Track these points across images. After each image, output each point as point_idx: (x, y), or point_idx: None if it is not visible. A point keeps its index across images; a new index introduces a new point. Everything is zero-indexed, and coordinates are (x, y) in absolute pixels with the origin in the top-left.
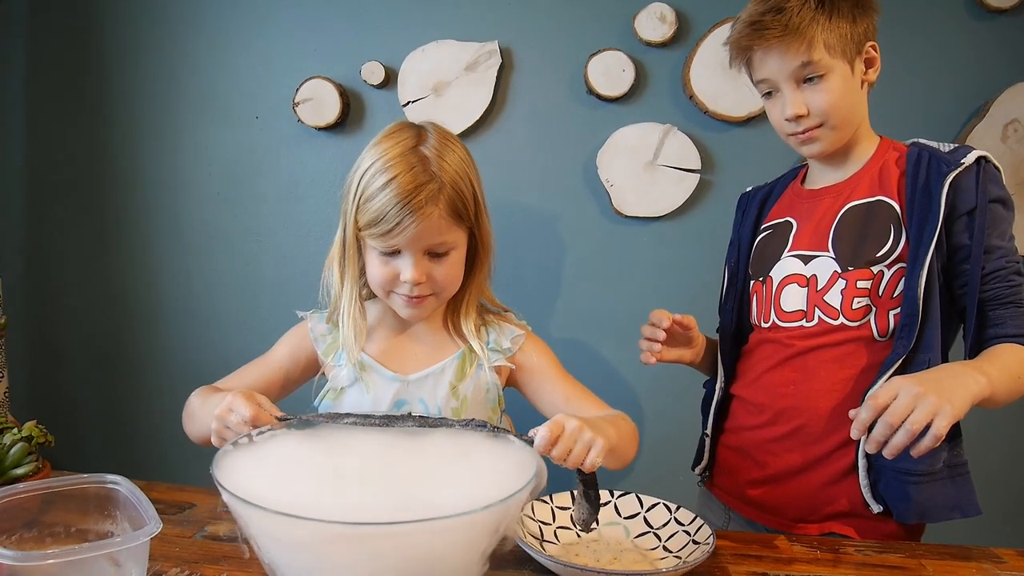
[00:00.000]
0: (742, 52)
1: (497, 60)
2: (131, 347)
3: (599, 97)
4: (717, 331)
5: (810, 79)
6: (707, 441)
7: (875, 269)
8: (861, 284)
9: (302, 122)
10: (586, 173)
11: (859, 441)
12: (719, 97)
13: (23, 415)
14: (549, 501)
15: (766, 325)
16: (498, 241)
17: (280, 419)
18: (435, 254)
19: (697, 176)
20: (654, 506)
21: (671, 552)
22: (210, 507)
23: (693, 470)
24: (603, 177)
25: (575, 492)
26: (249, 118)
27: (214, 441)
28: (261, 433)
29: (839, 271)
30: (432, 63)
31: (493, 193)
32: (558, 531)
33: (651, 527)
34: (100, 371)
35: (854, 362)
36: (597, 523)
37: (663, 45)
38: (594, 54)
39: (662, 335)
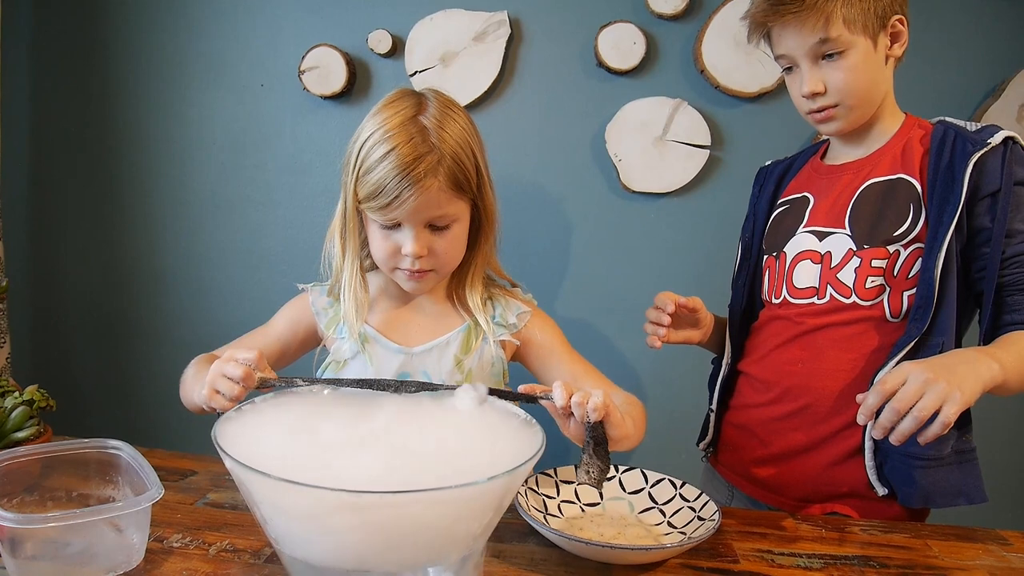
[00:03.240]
0: (759, 28)
1: (506, 31)
2: (133, 314)
3: (609, 70)
4: (728, 306)
5: (829, 55)
6: (712, 417)
7: (891, 248)
8: (876, 263)
9: (308, 90)
10: (594, 147)
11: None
12: (731, 72)
13: (25, 380)
14: (553, 475)
15: (777, 301)
16: (503, 214)
17: (261, 381)
18: (436, 227)
19: (707, 152)
20: (659, 482)
21: (676, 528)
22: (212, 474)
23: (698, 446)
24: (611, 152)
25: (585, 455)
26: (254, 86)
27: (205, 404)
28: (250, 400)
29: (854, 249)
30: (440, 32)
31: (499, 166)
32: (562, 505)
33: (656, 502)
34: (102, 337)
35: (865, 342)
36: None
37: (675, 18)
38: (605, 26)
39: (667, 319)
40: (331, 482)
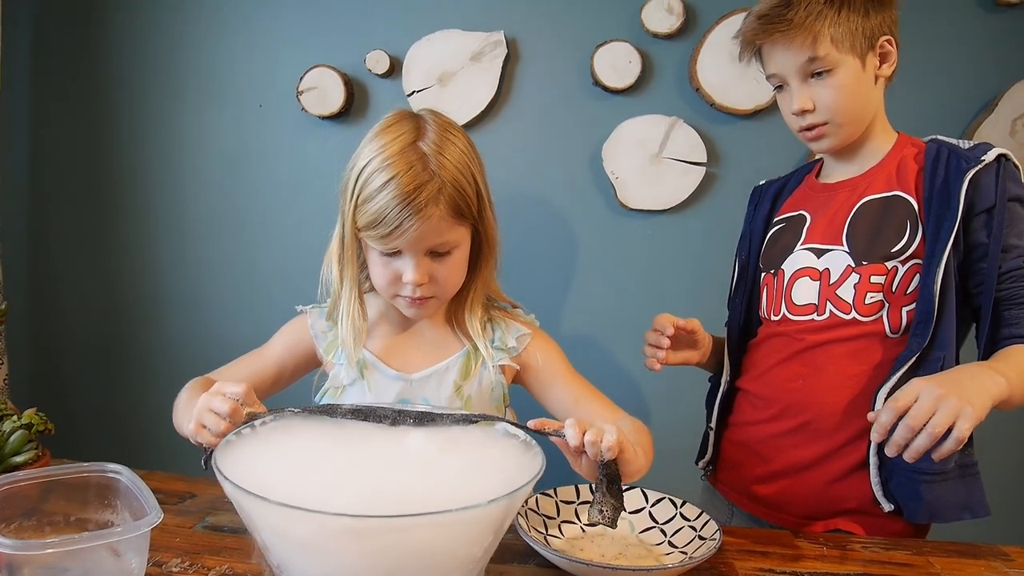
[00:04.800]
0: (749, 46)
1: (503, 50)
2: (132, 335)
3: (605, 89)
4: (726, 324)
5: (818, 74)
6: (711, 435)
7: (889, 264)
8: (875, 279)
9: (306, 111)
10: (591, 165)
11: (870, 438)
12: (726, 89)
13: (23, 403)
14: (554, 495)
15: (776, 318)
16: (501, 233)
17: (249, 415)
18: (437, 253)
19: (703, 169)
20: (659, 501)
21: (677, 547)
22: (211, 497)
23: (697, 464)
24: (608, 169)
25: (598, 493)
26: (252, 106)
27: (192, 438)
28: (250, 425)
29: (853, 265)
30: (437, 53)
31: (497, 184)
32: (562, 525)
33: (656, 522)
34: (101, 359)
35: (865, 357)
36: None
37: (670, 37)
38: (601, 45)
39: (666, 342)
40: (331, 507)
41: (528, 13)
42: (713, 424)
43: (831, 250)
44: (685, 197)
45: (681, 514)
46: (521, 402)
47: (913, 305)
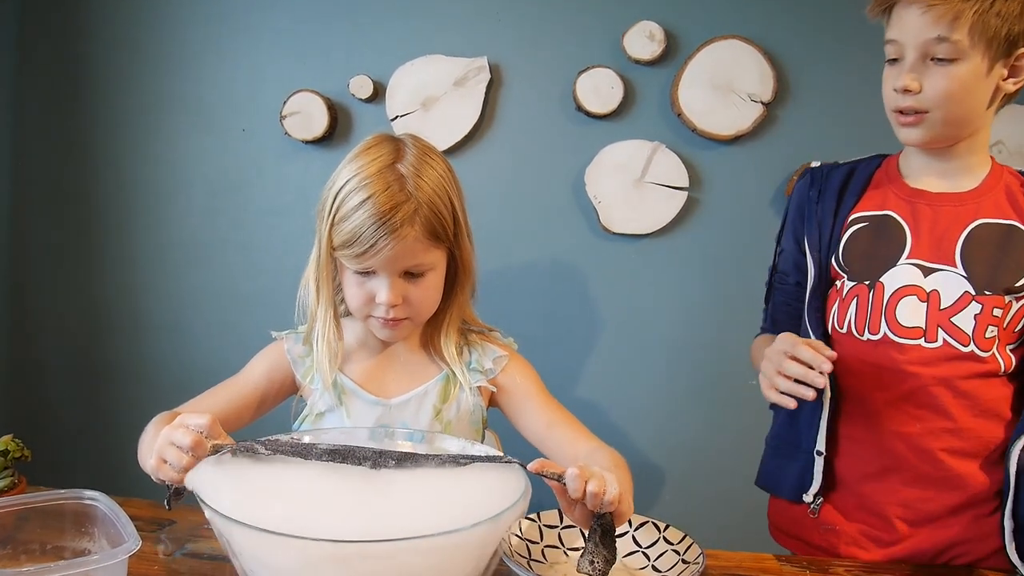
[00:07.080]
0: (883, 1)
1: (486, 76)
2: (111, 359)
3: (588, 114)
4: (760, 333)
5: (940, 60)
6: (820, 460)
7: (1007, 299)
8: (996, 312)
9: (289, 135)
10: (574, 189)
11: (1004, 493)
12: (707, 115)
13: (0, 428)
14: (537, 519)
15: (875, 337)
16: (483, 257)
17: (213, 448)
18: (412, 274)
19: (685, 193)
20: (643, 525)
21: (660, 571)
22: (190, 524)
23: (801, 499)
24: (591, 194)
25: (590, 543)
26: (236, 130)
27: (153, 475)
28: (229, 449)
29: (973, 293)
30: (421, 78)
31: (479, 209)
32: (546, 550)
33: (639, 546)
34: (79, 383)
35: (982, 396)
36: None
37: (652, 63)
38: (583, 71)
39: (822, 381)
40: (314, 533)
41: (511, 39)
42: (822, 448)
43: (941, 270)
44: (668, 221)
45: (664, 538)
46: (502, 424)
47: (1016, 344)
